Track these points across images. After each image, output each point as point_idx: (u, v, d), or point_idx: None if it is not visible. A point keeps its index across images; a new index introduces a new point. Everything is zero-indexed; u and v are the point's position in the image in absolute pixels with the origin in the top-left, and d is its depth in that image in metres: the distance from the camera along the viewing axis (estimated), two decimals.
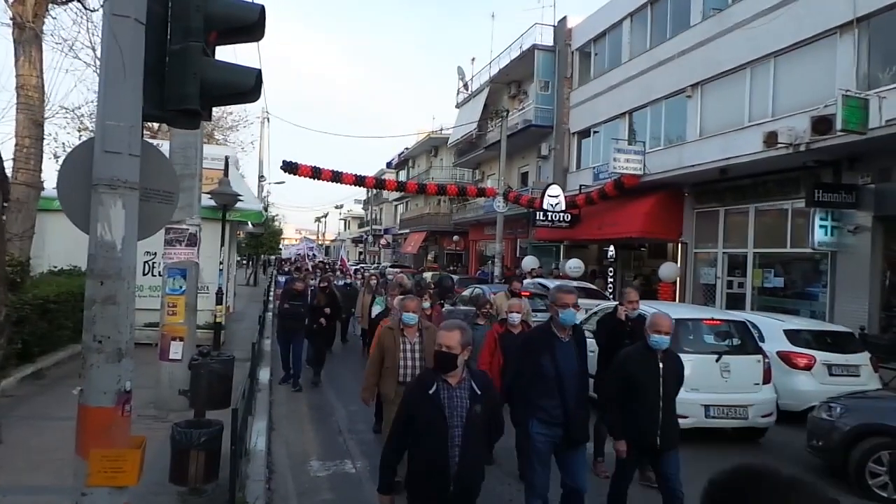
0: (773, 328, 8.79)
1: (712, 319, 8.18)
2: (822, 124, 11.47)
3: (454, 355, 3.24)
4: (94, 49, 13.95)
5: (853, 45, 12.21)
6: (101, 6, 2.88)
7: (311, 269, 23.32)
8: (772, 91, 14.25)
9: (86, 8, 9.80)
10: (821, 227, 12.34)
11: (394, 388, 5.13)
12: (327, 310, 10.32)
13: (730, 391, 7.27)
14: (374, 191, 57.55)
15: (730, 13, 15.40)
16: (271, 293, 19.97)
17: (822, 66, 12.92)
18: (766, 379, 7.50)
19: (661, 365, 4.50)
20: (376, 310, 10.25)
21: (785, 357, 8.37)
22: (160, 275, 8.86)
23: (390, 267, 34.68)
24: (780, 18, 13.74)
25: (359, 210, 70.63)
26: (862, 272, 12.00)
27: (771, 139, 12.67)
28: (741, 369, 7.39)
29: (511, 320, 6.35)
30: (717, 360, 7.33)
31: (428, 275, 25.23)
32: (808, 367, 8.27)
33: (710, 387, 7.18)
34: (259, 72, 3.14)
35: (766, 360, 7.62)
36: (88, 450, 2.83)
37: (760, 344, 8.00)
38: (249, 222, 16.30)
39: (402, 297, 6.20)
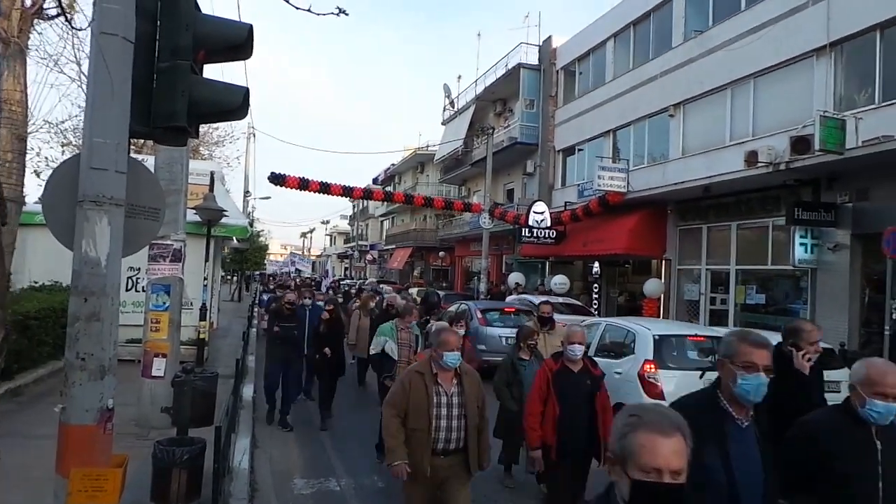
0: None
1: (696, 336, 8.25)
2: (801, 144, 11.70)
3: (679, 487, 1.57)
4: (79, 64, 13.93)
5: (829, 68, 12.53)
6: (89, 25, 2.90)
7: (293, 286, 20.76)
8: (752, 111, 14.54)
9: (72, 27, 9.79)
10: (801, 244, 12.54)
11: (426, 460, 3.91)
12: (327, 351, 8.51)
13: None
14: (360, 206, 57.59)
15: (710, 35, 15.73)
16: (255, 309, 19.69)
17: (801, 88, 13.23)
18: None
19: (878, 445, 2.63)
20: (383, 345, 6.98)
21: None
22: (143, 290, 8.79)
23: (379, 283, 34.07)
24: (759, 41, 14.06)
25: (345, 226, 70.52)
26: (842, 289, 12.19)
27: (752, 158, 12.90)
28: None
29: (571, 354, 5.01)
30: (700, 377, 7.38)
31: (414, 290, 25.21)
32: None
33: None
34: (247, 90, 3.17)
35: None
36: (69, 469, 2.80)
37: None
38: (234, 238, 16.22)
39: (438, 326, 4.87)
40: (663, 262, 17.79)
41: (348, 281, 38.59)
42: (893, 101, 11.28)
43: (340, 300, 13.79)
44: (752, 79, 14.49)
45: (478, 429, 4.12)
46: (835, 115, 11.43)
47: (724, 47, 15.13)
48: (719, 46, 15.32)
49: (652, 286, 16.96)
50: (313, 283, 26.58)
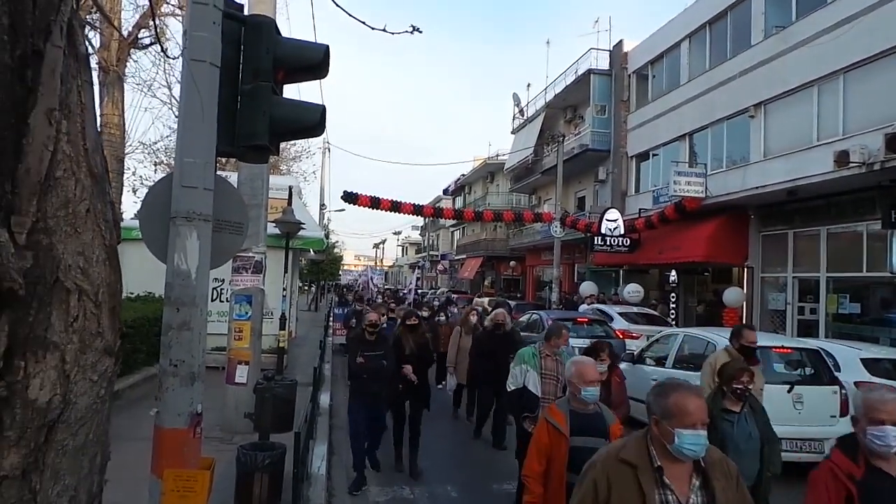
0: (850, 357, 8.33)
1: (783, 347, 7.83)
2: None
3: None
4: (170, 88, 14.86)
5: None
6: (181, 53, 3.11)
7: (374, 297, 19.46)
8: (842, 108, 13.69)
9: (167, 56, 10.48)
10: None
11: None
12: (409, 372, 6.73)
13: (804, 423, 6.92)
14: (431, 218, 58.24)
15: (793, 31, 14.97)
16: (330, 320, 20.04)
17: None
18: (844, 411, 7.09)
19: None
20: (523, 378, 5.51)
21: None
22: (227, 301, 9.21)
23: (449, 292, 33.75)
24: (849, 34, 13.25)
25: (416, 236, 71.45)
26: None
27: (842, 158, 12.16)
28: (815, 400, 7.03)
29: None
30: (788, 391, 7.00)
31: (485, 300, 25.18)
32: None
33: (781, 419, 6.82)
34: (323, 108, 3.30)
35: (843, 391, 7.22)
36: (163, 469, 2.97)
37: (836, 374, 7.59)
38: (311, 249, 16.77)
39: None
40: (745, 269, 16.99)
41: (430, 292, 36.98)
42: None
43: (425, 316, 11.40)
44: (841, 74, 13.66)
45: None
46: None
47: (809, 42, 14.36)
48: (804, 42, 14.54)
49: (732, 295, 16.22)
50: (394, 296, 23.60)
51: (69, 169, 1.64)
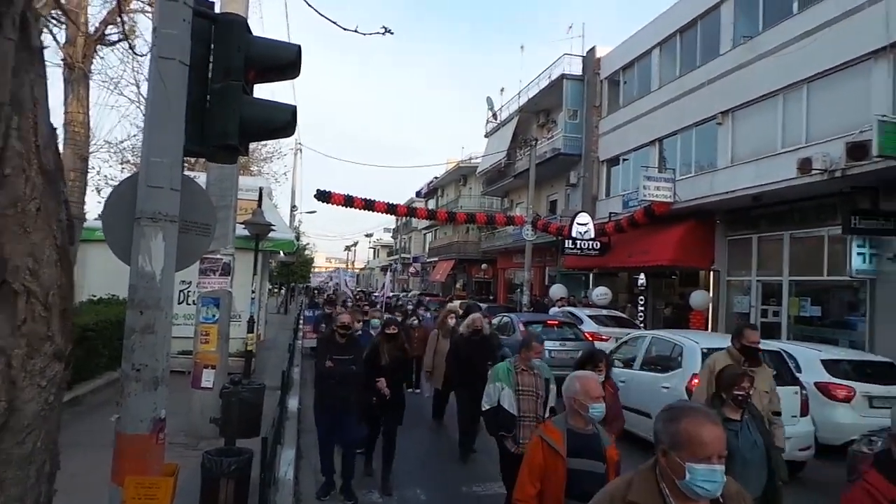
0: (810, 358, 8.56)
1: None
2: (857, 150, 11.29)
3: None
4: (137, 86, 14.55)
5: (888, 70, 12.03)
6: (150, 51, 3.04)
7: (345, 302, 18.24)
8: (805, 117, 14.08)
9: (134, 53, 10.25)
10: (858, 254, 12.06)
11: None
12: (383, 386, 6.33)
13: None
14: (404, 220, 58.10)
15: (761, 40, 15.34)
16: (300, 323, 19.83)
17: (858, 92, 12.73)
18: (804, 411, 7.28)
19: None
20: (500, 397, 5.16)
21: (823, 388, 8.12)
22: (194, 303, 9.05)
23: (421, 295, 33.51)
24: (813, 45, 13.63)
25: (388, 239, 71.23)
26: None
27: (805, 165, 12.50)
28: None
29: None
30: None
31: (456, 303, 25.19)
32: (847, 399, 8.01)
33: None
34: (294, 108, 3.26)
35: (804, 392, 7.40)
36: (124, 477, 2.89)
37: (797, 375, 7.78)
38: (282, 251, 16.58)
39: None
40: (711, 273, 17.33)
41: (402, 295, 35.75)
42: None
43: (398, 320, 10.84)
44: (805, 84, 14.04)
45: None
46: (894, 120, 10.97)
47: (776, 52, 14.73)
48: (770, 51, 14.91)
49: (698, 298, 16.54)
50: (367, 298, 23.37)
51: (19, 166, 1.58)
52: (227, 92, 3.07)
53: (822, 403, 7.93)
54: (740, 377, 3.94)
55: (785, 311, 14.67)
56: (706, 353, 7.69)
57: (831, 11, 13.24)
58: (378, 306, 17.39)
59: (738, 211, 15.92)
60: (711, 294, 16.97)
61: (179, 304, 11.43)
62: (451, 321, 9.43)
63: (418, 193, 52.96)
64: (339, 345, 6.25)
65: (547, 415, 5.02)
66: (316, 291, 28.14)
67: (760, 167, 14.79)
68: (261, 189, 12.58)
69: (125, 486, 2.88)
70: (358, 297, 23.82)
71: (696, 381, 7.41)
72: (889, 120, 10.92)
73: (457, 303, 25.46)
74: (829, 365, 8.43)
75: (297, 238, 29.45)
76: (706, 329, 16.05)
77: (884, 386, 8.24)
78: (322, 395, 6.25)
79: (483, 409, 5.33)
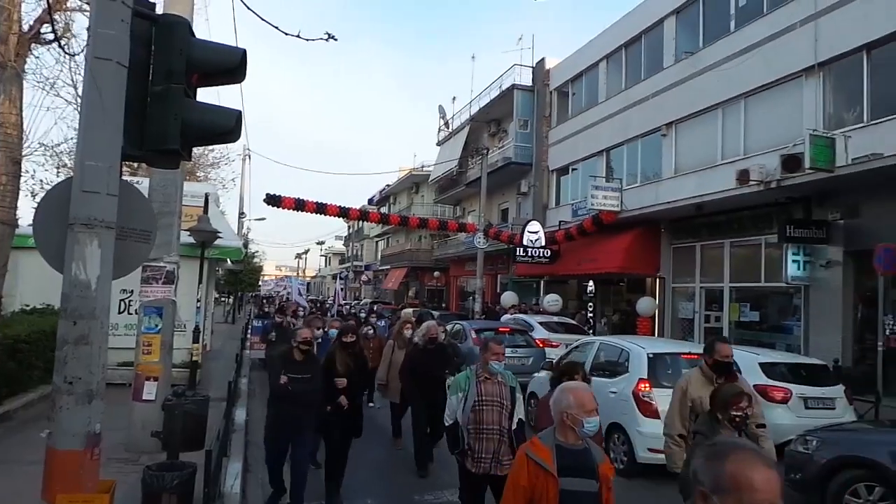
0: (749, 362, 8.86)
1: (689, 353, 8.24)
2: (791, 162, 11.83)
3: None
4: (75, 87, 13.96)
5: (818, 88, 12.71)
6: (82, 50, 2.93)
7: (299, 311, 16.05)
8: (743, 130, 14.71)
9: (66, 52, 9.86)
10: (793, 261, 12.61)
11: None
12: (342, 399, 6.08)
13: None
14: (356, 227, 57.65)
15: (701, 56, 15.95)
16: (248, 333, 18.99)
17: (791, 107, 13.39)
18: None
19: None
20: (464, 408, 4.72)
21: (761, 390, 8.40)
22: (136, 313, 8.74)
23: (373, 303, 33.05)
24: (749, 61, 14.27)
25: (340, 246, 70.50)
26: (835, 306, 12.23)
27: (743, 177, 13.01)
28: None
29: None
30: None
31: (409, 310, 25.12)
32: (784, 401, 8.33)
33: None
34: (239, 113, 3.20)
35: None
36: (55, 495, 2.77)
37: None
38: (229, 259, 16.18)
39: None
40: (657, 280, 17.82)
41: (354, 303, 34.88)
42: (881, 119, 11.43)
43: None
44: (742, 98, 14.67)
45: None
46: (824, 134, 11.57)
47: (715, 68, 15.34)
48: (710, 67, 15.53)
49: (644, 304, 16.97)
50: (320, 307, 22.56)
51: None
52: (167, 95, 2.99)
53: (760, 405, 8.20)
54: (738, 396, 3.63)
55: (726, 316, 15.21)
56: (652, 358, 7.90)
57: (765, 31, 13.91)
58: (329, 315, 16.95)
59: (682, 220, 16.45)
60: (657, 300, 17.45)
61: (120, 313, 11.04)
62: (408, 331, 8.76)
63: (370, 201, 52.68)
64: (296, 362, 5.83)
65: (514, 427, 4.68)
66: (265, 301, 26.23)
67: (702, 178, 15.34)
68: (207, 195, 12.30)
69: None
70: (311, 304, 23.47)
71: (642, 385, 7.62)
72: (819, 134, 11.51)
73: (409, 310, 25.49)
74: (767, 368, 8.75)
75: (246, 246, 28.82)
76: (653, 335, 16.47)
77: (818, 387, 8.60)
78: (277, 416, 5.86)
79: (445, 423, 4.84)
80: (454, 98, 44.23)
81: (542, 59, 25.02)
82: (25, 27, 9.38)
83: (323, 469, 6.34)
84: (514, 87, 25.29)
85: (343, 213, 24.89)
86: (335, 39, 3.55)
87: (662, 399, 7.30)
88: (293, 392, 5.66)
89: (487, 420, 4.63)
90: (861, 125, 11.80)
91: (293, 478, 5.82)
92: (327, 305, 24.05)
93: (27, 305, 11.05)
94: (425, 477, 7.21)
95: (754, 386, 8.32)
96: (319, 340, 7.09)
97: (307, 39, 3.50)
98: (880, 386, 10.27)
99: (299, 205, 22.96)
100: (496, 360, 4.83)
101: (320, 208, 23.48)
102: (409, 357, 7.84)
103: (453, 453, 4.82)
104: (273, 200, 22.65)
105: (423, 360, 7.54)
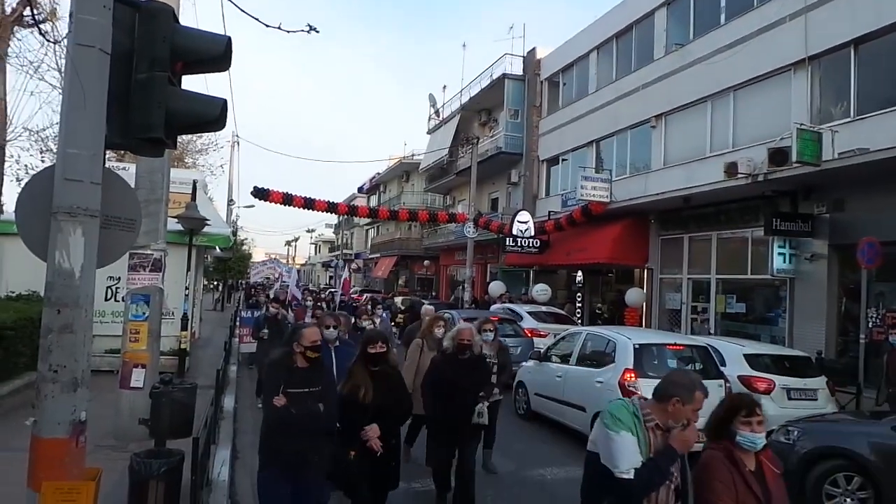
0: (734, 353, 8.98)
1: (675, 344, 8.34)
2: (778, 156, 11.91)
3: None
4: (60, 72, 13.79)
5: (806, 82, 12.78)
6: (65, 37, 2.90)
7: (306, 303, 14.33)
8: (732, 123, 14.77)
9: (47, 39, 9.73)
10: (779, 254, 12.73)
11: None
12: (372, 438, 4.33)
13: None
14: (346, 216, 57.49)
15: (691, 49, 15.98)
16: (237, 321, 17.82)
17: (779, 101, 13.46)
18: None
19: None
20: (635, 451, 3.00)
21: (745, 381, 8.53)
22: (124, 300, 8.71)
23: (362, 292, 32.17)
24: (739, 55, 14.31)
25: (330, 234, 70.30)
26: (819, 298, 12.38)
27: (731, 169, 13.09)
28: None
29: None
30: None
31: (399, 299, 25.18)
32: (767, 391, 8.44)
33: None
34: (224, 102, 3.18)
35: (728, 385, 7.78)
36: (41, 482, 2.77)
37: (722, 368, 8.17)
38: (217, 247, 16.10)
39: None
40: (646, 271, 17.94)
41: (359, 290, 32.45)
42: (868, 114, 11.51)
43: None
44: (731, 91, 14.72)
45: None
46: (811, 128, 11.65)
47: (705, 60, 15.37)
48: (700, 59, 15.56)
49: (633, 295, 17.09)
50: (323, 298, 19.05)
51: None
52: (151, 83, 2.97)
53: None
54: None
55: (713, 307, 15.35)
56: (638, 349, 7.99)
57: (755, 24, 13.94)
58: (331, 308, 14.49)
59: (670, 211, 16.53)
60: (645, 291, 17.57)
61: (107, 300, 10.98)
62: (440, 331, 6.93)
63: (360, 189, 52.53)
64: (299, 370, 4.17)
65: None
66: (253, 289, 23.00)
67: (690, 170, 15.42)
68: (195, 182, 12.23)
69: (42, 492, 2.77)
70: (305, 295, 18.75)
71: (628, 375, 7.70)
72: (806, 128, 11.59)
73: (399, 299, 25.50)
74: (752, 359, 8.87)
75: (235, 233, 28.62)
76: (640, 325, 16.60)
77: (801, 379, 8.73)
78: (271, 452, 4.16)
79: (618, 476, 2.97)
80: (445, 87, 44.21)
81: (534, 49, 24.96)
82: (8, 10, 9.26)
83: None
84: (504, 76, 25.21)
85: (331, 208, 24.76)
86: (317, 31, 3.52)
87: (648, 389, 7.39)
88: (296, 416, 3.99)
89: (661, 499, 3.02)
90: (848, 120, 11.89)
91: None
92: (326, 295, 22.32)
93: (13, 292, 10.96)
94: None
95: (738, 377, 8.47)
96: (338, 343, 5.51)
97: (288, 31, 3.47)
98: (862, 378, 10.43)
99: (287, 199, 22.79)
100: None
101: (308, 203, 23.34)
102: (434, 366, 5.85)
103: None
104: (260, 194, 22.47)
105: (450, 373, 5.60)
